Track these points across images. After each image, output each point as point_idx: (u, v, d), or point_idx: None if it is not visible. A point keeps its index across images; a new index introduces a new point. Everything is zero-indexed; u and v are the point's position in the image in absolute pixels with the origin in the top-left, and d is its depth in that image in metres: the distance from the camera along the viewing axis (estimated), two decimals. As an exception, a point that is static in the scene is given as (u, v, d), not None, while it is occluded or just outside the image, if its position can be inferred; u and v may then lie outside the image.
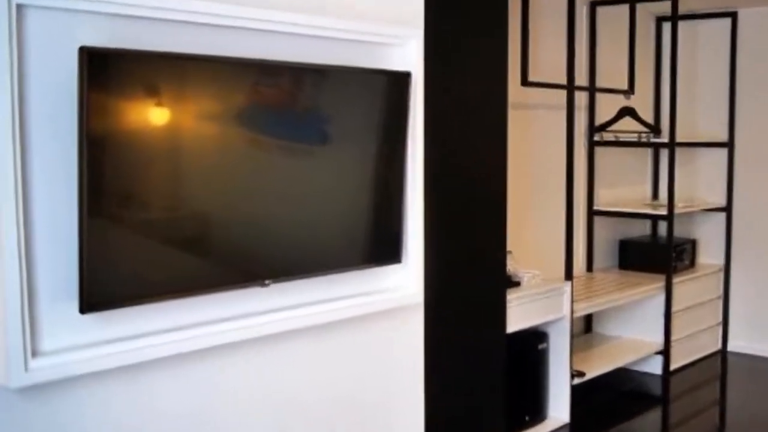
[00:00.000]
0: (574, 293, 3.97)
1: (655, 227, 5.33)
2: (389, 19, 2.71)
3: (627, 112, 4.71)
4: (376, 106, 2.64)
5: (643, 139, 4.80)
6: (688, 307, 4.90)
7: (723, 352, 5.23)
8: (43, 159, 1.96)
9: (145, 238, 2.12)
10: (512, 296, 3.53)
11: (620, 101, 4.73)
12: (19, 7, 1.88)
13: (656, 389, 4.62)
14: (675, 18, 4.64)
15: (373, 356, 2.80)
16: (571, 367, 3.94)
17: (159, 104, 2.10)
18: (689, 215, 5.19)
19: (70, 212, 1.98)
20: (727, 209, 5.21)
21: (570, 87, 4.01)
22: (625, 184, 5.14)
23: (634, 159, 5.24)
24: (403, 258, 2.78)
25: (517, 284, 3.72)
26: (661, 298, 4.67)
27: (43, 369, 1.95)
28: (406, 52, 2.75)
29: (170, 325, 2.23)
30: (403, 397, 2.92)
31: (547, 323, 3.86)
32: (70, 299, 2.01)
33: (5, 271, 1.89)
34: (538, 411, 3.87)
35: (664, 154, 5.03)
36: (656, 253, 4.90)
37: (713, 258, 5.26)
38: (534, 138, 4.32)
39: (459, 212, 3.13)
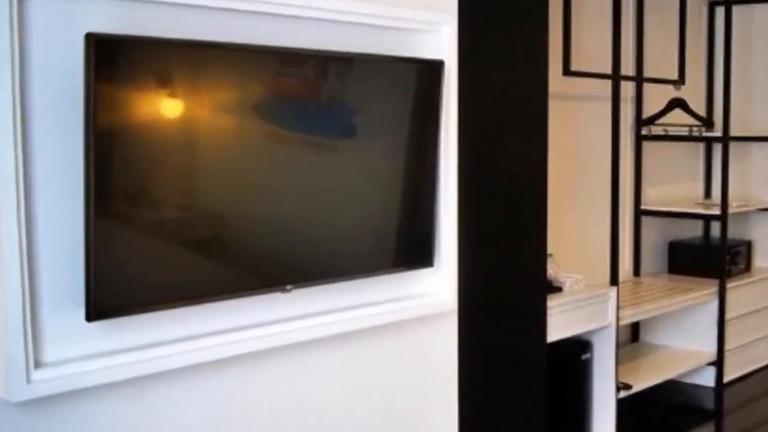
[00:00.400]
0: (619, 299, 3.95)
1: (707, 228, 5.28)
2: (420, 3, 2.69)
3: (677, 103, 4.66)
4: (406, 98, 2.63)
5: (695, 133, 4.75)
6: (743, 315, 4.84)
7: (781, 363, 5.15)
8: (47, 155, 1.94)
9: (157, 239, 2.11)
10: (553, 303, 3.52)
11: (670, 92, 4.68)
12: (21, -10, 1.87)
13: (708, 403, 4.59)
14: (729, 2, 4.60)
15: (403, 367, 2.79)
16: (616, 379, 3.92)
17: (172, 95, 2.08)
18: (744, 215, 5.13)
19: (75, 211, 1.96)
20: (786, 208, 5.15)
21: (615, 77, 3.98)
22: (675, 182, 5.09)
23: (685, 154, 5.18)
24: (436, 261, 2.76)
25: (559, 290, 3.72)
26: (714, 305, 4.63)
27: (46, 381, 1.93)
28: (439, 39, 2.73)
29: (185, 334, 2.21)
30: (436, 410, 2.91)
31: (590, 332, 3.84)
32: (75, 305, 1.99)
33: (5, 275, 1.87)
34: (581, 426, 3.85)
35: (717, 149, 4.97)
36: (709, 256, 4.85)
37: (770, 261, 5.19)
38: (577, 132, 4.30)
39: (495, 212, 3.12)
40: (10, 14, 1.82)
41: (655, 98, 4.70)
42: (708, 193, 5.28)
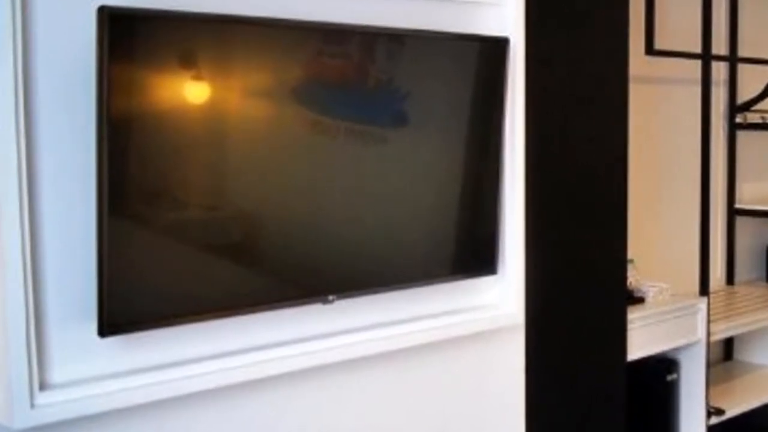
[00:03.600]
0: (710, 312, 3.89)
1: (811, 230, 5.16)
2: (482, -28, 2.72)
3: (777, 87, 4.58)
4: (465, 81, 2.63)
5: (798, 121, 4.69)
6: None
7: None
8: (53, 147, 1.95)
9: (181, 243, 2.12)
10: (634, 315, 3.49)
11: (768, 74, 4.60)
12: (25, -41, 1.90)
13: (814, 431, 4.50)
14: (838, -31, 4.47)
15: (462, 389, 2.79)
16: (707, 403, 3.87)
17: (197, 78, 2.09)
18: None
19: (86, 212, 1.97)
20: None
21: (706, 56, 3.91)
22: (775, 177, 5.04)
23: (786, 145, 5.09)
24: (500, 268, 2.77)
25: (641, 300, 3.68)
26: (820, 318, 4.56)
27: (53, 405, 1.93)
28: (503, 13, 2.75)
29: (212, 352, 2.22)
30: (499, 439, 2.91)
31: (677, 349, 3.80)
32: (86, 319, 1.99)
33: (6, 286, 1.87)
34: (666, 456, 3.82)
35: (824, 139, 4.89)
36: (814, 262, 4.79)
37: None
38: (661, 120, 4.25)
39: (568, 212, 3.10)
40: (11, -16, 1.85)
41: (752, 81, 4.61)
42: (813, 190, 5.20)
